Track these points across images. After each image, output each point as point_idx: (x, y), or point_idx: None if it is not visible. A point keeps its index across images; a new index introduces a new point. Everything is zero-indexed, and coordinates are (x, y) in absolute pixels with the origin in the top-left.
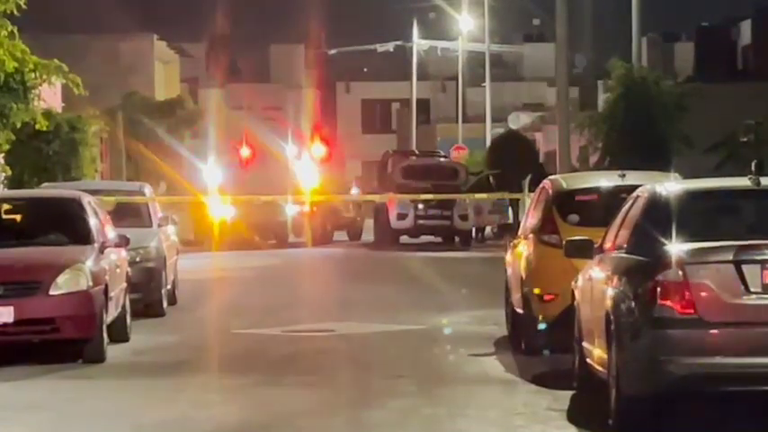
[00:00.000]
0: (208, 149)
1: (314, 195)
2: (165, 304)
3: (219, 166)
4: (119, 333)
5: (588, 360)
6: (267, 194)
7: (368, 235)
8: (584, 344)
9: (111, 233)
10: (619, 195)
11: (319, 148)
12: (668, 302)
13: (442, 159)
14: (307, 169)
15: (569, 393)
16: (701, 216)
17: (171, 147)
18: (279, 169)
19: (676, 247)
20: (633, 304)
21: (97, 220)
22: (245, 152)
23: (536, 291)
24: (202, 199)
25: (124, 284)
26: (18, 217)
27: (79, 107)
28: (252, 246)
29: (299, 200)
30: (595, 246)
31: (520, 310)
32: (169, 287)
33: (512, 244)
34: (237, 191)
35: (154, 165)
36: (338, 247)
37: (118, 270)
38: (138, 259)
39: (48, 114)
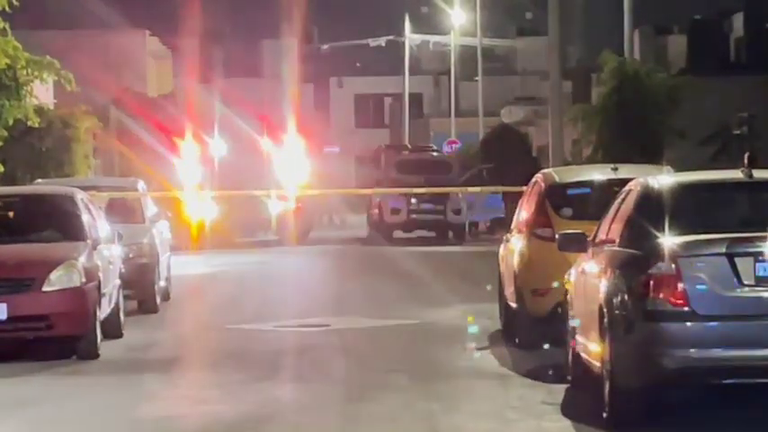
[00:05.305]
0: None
1: (301, 191)
2: (158, 300)
3: (196, 162)
4: (112, 329)
5: (582, 354)
6: (247, 191)
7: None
8: (578, 337)
9: (104, 229)
10: (611, 188)
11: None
12: (661, 295)
13: (434, 154)
14: (292, 164)
15: (564, 387)
16: (693, 209)
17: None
18: (259, 165)
19: (669, 240)
20: (626, 297)
21: (90, 216)
22: (219, 147)
23: (529, 285)
24: (198, 194)
25: (117, 281)
26: (11, 213)
27: (71, 103)
28: (234, 245)
29: (283, 196)
30: (588, 239)
31: (513, 305)
32: (162, 283)
33: (505, 238)
34: (215, 187)
35: (145, 161)
36: (326, 244)
37: (111, 266)
38: (131, 255)
39: (40, 111)
